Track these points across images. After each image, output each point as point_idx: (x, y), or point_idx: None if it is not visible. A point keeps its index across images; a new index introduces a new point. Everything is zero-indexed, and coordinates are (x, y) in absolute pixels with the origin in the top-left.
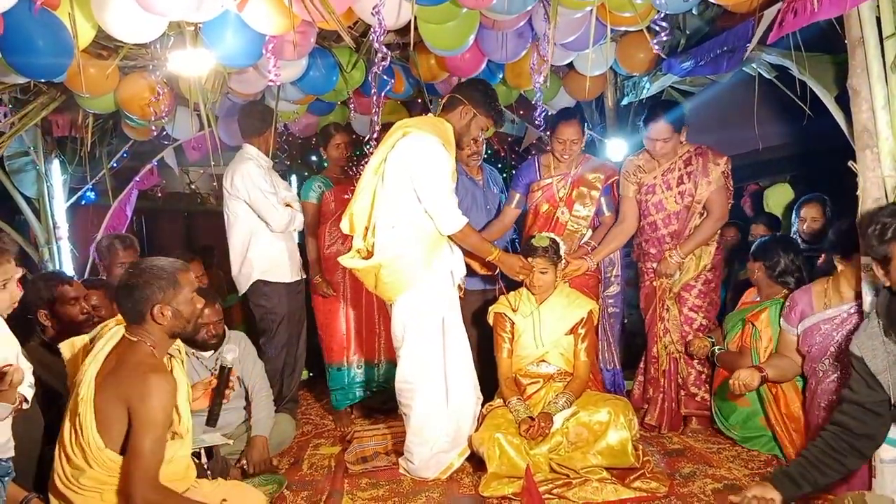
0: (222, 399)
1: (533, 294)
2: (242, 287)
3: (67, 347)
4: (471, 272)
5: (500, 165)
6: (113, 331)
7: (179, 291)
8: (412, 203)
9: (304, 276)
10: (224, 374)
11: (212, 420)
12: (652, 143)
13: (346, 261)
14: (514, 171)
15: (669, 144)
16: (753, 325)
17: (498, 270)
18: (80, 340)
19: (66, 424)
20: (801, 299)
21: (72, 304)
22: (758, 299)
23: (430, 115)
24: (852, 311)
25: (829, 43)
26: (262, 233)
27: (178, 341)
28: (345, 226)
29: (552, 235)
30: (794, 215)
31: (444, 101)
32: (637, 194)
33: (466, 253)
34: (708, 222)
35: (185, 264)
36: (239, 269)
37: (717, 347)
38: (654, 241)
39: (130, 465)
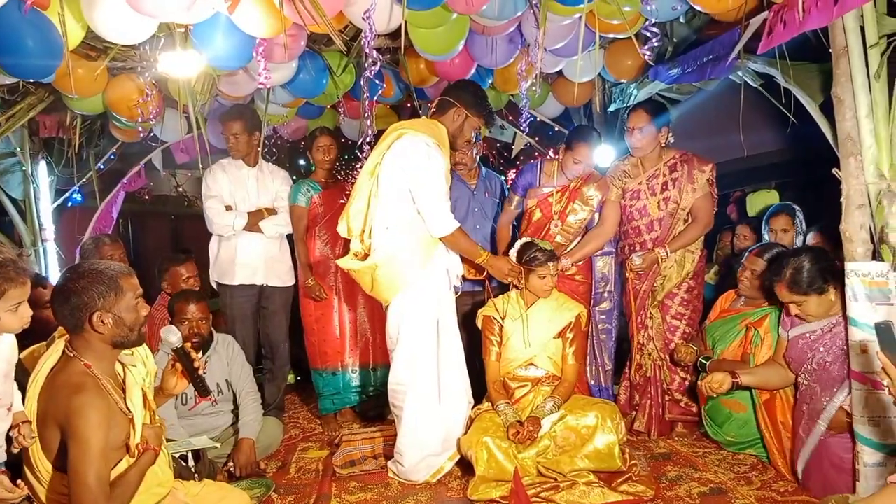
0: (197, 369)
1: (538, 296)
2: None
3: (28, 357)
4: None
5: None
6: (56, 344)
7: (121, 298)
8: (407, 204)
9: (266, 283)
10: (180, 353)
11: (203, 390)
12: (630, 133)
13: (343, 262)
14: (503, 178)
15: (647, 137)
16: (757, 330)
17: (486, 273)
18: (38, 349)
19: None
20: None
21: (46, 307)
22: (739, 305)
23: (423, 117)
24: (834, 324)
25: (814, 52)
26: (213, 234)
27: (144, 346)
28: (342, 229)
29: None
30: (764, 226)
31: (434, 104)
32: (621, 199)
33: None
34: (694, 227)
35: (128, 268)
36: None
37: (703, 357)
38: (636, 247)
39: (77, 495)
